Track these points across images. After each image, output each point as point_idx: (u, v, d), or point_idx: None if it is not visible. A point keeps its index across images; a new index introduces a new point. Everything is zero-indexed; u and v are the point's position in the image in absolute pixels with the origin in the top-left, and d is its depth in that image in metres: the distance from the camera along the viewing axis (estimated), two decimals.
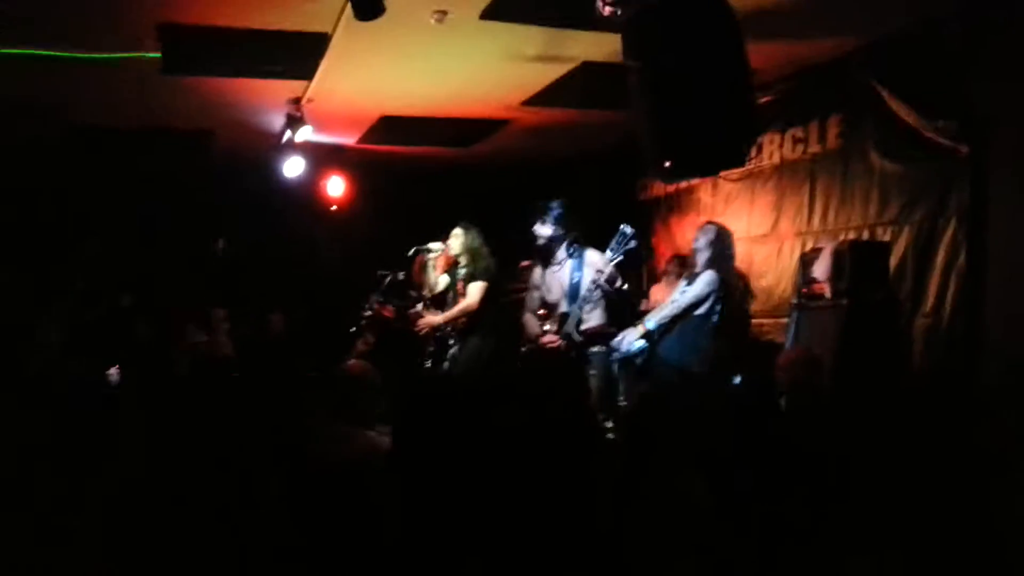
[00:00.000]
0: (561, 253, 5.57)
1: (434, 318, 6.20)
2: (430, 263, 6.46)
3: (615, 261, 5.22)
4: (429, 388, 3.95)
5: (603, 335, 5.47)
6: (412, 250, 6.43)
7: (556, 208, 5.51)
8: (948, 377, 4.42)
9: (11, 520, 2.37)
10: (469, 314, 6.03)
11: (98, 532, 2.27)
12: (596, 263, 5.30)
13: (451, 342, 6.16)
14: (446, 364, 6.13)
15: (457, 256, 6.17)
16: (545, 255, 5.63)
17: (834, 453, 3.44)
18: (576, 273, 5.45)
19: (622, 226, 5.16)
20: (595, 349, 5.42)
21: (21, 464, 2.73)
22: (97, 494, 2.42)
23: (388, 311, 6.61)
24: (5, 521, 2.36)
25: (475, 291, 6.00)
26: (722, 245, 5.31)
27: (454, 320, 6.09)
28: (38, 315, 6.32)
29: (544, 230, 5.54)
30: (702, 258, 5.29)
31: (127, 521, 2.28)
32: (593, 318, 5.44)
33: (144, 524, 2.21)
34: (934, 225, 4.55)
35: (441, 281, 6.40)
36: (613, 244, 5.17)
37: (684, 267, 5.85)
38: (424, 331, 6.19)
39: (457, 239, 6.15)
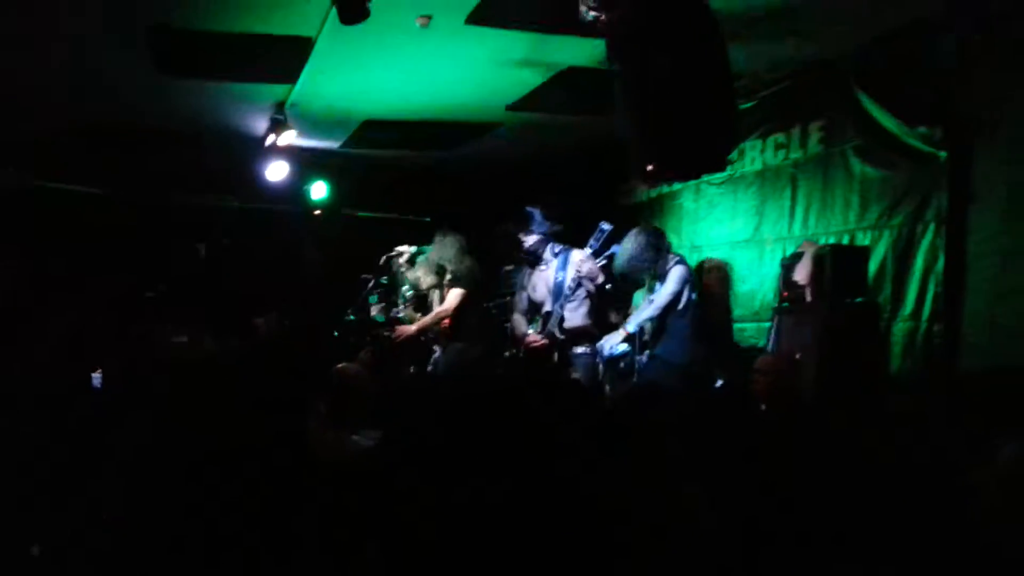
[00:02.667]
0: (547, 254, 5.62)
1: (409, 327, 6.21)
2: (402, 268, 6.51)
3: (600, 263, 5.27)
4: (415, 391, 3.95)
5: (587, 334, 5.51)
6: (383, 258, 6.49)
7: (537, 215, 5.56)
8: (927, 380, 4.46)
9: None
10: (453, 320, 6.04)
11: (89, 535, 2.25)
12: (579, 262, 5.35)
13: (434, 348, 6.18)
14: (430, 368, 6.15)
15: (438, 264, 6.19)
16: (532, 260, 5.68)
17: (816, 458, 3.47)
18: (560, 272, 5.51)
19: (601, 223, 5.21)
20: (580, 350, 5.46)
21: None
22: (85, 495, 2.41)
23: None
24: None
25: (452, 297, 6.04)
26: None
27: (429, 327, 6.11)
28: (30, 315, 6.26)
29: (529, 239, 5.59)
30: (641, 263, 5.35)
31: (116, 527, 2.27)
32: (576, 317, 5.48)
33: (133, 529, 2.20)
34: (913, 230, 4.59)
35: (409, 282, 6.43)
36: (591, 241, 5.22)
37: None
38: (400, 339, 6.19)
39: (436, 247, 6.19)
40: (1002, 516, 2.52)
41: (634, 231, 5.49)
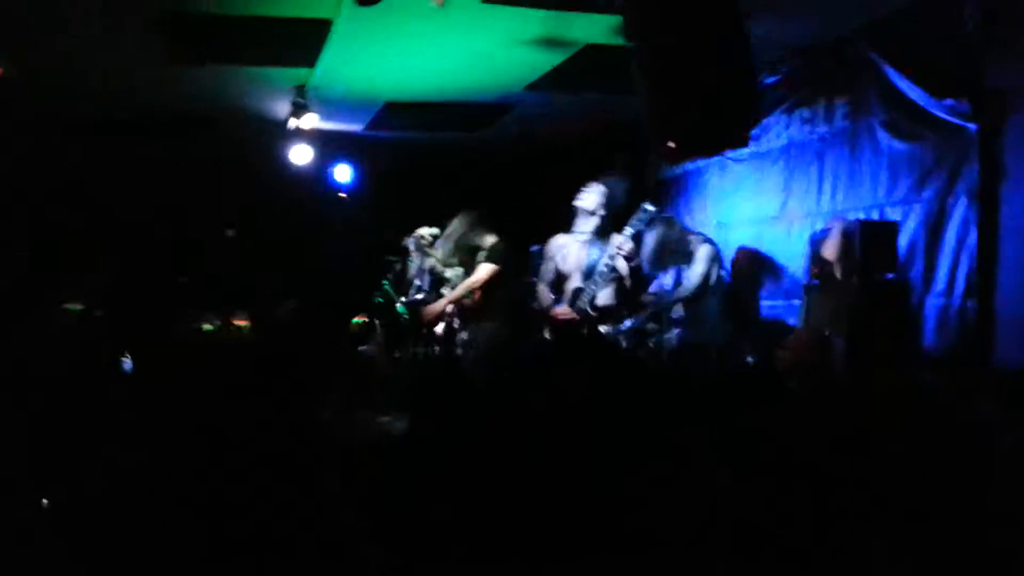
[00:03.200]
0: (587, 226, 5.52)
1: (436, 305, 6.18)
2: (421, 249, 6.45)
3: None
4: (447, 375, 3.94)
5: (612, 313, 5.46)
6: (404, 241, 6.47)
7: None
8: (961, 356, 4.38)
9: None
10: (482, 297, 6.01)
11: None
12: (615, 240, 5.26)
13: (455, 323, 6.14)
14: (459, 350, 6.12)
15: (465, 243, 6.15)
16: (571, 223, 5.59)
17: (847, 436, 3.41)
18: (594, 249, 5.41)
19: (643, 203, 5.14)
20: (605, 329, 5.41)
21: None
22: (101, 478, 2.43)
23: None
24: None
25: (483, 270, 5.95)
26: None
27: (460, 299, 6.07)
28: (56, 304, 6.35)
29: (589, 201, 5.47)
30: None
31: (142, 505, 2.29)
32: (603, 297, 5.43)
33: (160, 508, 2.22)
34: (944, 204, 4.49)
35: (432, 263, 6.37)
36: (634, 220, 5.15)
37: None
38: (429, 319, 6.18)
39: (460, 226, 6.13)
40: None
41: (648, 230, 5.42)
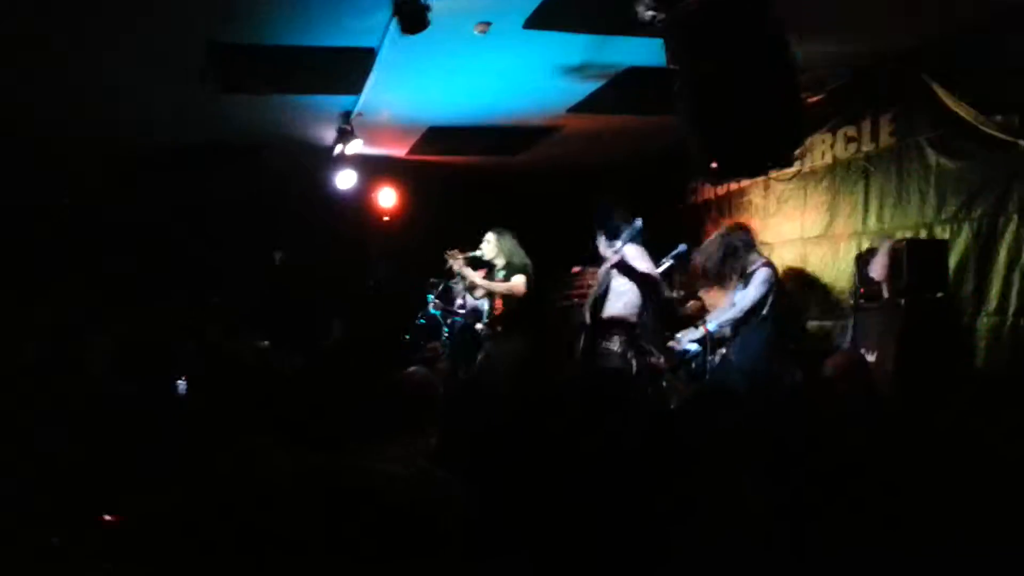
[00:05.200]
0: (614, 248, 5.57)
1: (476, 277, 6.30)
2: (458, 269, 6.56)
3: (663, 268, 5.30)
4: (467, 394, 3.96)
5: (622, 325, 5.44)
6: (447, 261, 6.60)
7: (603, 219, 5.54)
8: (1015, 377, 4.28)
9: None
10: (506, 310, 6.11)
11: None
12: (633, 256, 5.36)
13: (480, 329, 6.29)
14: (479, 362, 6.24)
15: (492, 259, 6.27)
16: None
17: (893, 458, 3.35)
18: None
19: (680, 245, 5.35)
20: (613, 346, 5.40)
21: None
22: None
23: None
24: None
25: (519, 281, 6.09)
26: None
27: (491, 291, 6.23)
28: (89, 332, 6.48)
29: (601, 242, 5.57)
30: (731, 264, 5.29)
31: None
32: (616, 307, 5.44)
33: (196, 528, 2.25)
34: (995, 222, 4.42)
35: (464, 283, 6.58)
36: (666, 258, 5.34)
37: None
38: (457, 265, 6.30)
39: (489, 244, 6.26)
40: None
41: (718, 232, 5.44)
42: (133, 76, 5.24)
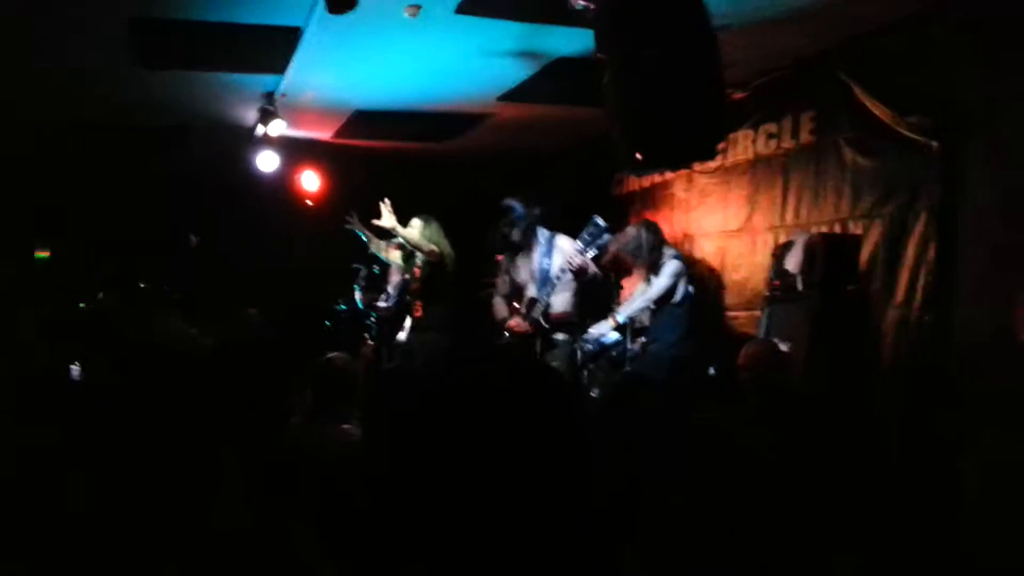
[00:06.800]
0: (537, 240, 5.60)
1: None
2: (381, 252, 6.78)
3: (590, 255, 5.26)
4: (391, 383, 3.94)
5: (569, 322, 5.51)
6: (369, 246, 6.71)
7: (517, 206, 5.57)
8: (918, 369, 4.47)
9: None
10: (425, 297, 6.28)
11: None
12: (567, 250, 5.34)
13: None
14: (398, 351, 6.32)
15: (415, 245, 6.27)
16: (521, 249, 5.68)
17: (806, 448, 3.46)
18: (545, 259, 5.49)
19: (594, 217, 5.20)
20: (560, 337, 5.45)
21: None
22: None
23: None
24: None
25: (431, 246, 6.28)
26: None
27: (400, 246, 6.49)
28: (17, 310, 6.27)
29: (515, 234, 5.59)
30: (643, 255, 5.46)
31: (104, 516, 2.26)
32: (560, 303, 5.48)
33: (119, 517, 2.19)
34: (905, 219, 4.57)
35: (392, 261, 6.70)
36: (585, 235, 5.20)
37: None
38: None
39: (415, 229, 6.27)
40: (982, 502, 2.52)
41: (633, 225, 5.63)
42: (54, 51, 5.03)
